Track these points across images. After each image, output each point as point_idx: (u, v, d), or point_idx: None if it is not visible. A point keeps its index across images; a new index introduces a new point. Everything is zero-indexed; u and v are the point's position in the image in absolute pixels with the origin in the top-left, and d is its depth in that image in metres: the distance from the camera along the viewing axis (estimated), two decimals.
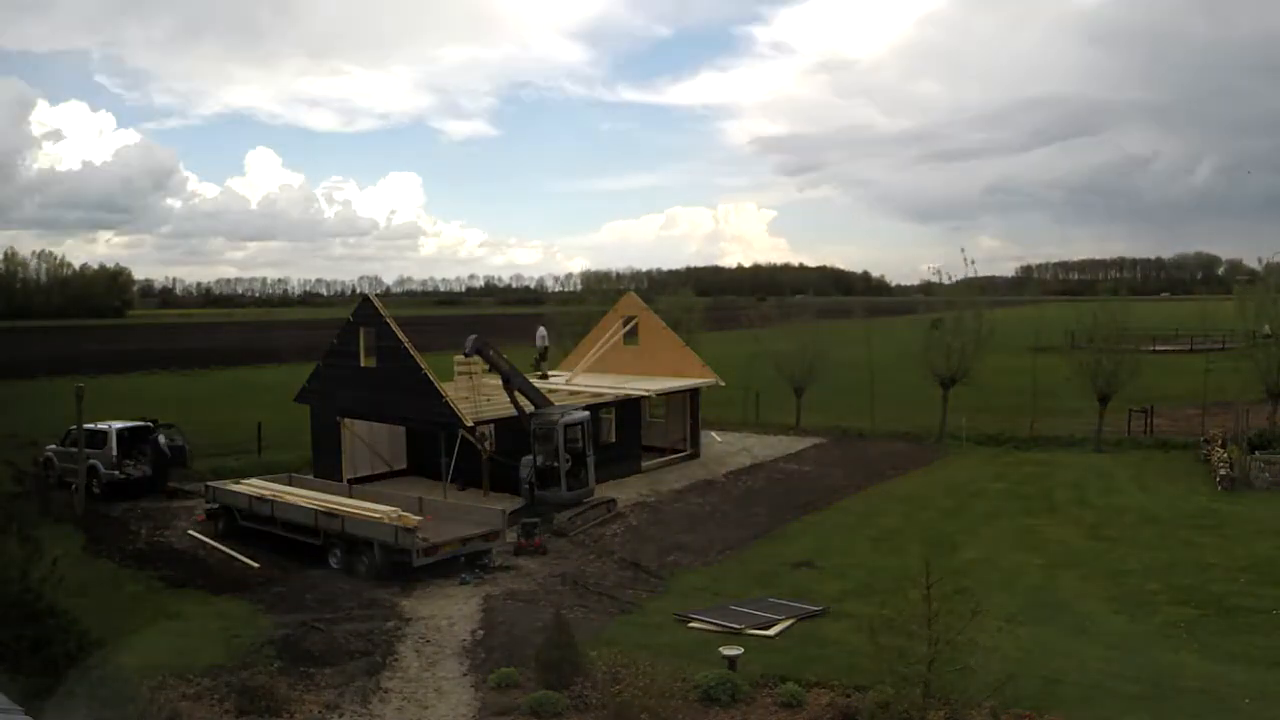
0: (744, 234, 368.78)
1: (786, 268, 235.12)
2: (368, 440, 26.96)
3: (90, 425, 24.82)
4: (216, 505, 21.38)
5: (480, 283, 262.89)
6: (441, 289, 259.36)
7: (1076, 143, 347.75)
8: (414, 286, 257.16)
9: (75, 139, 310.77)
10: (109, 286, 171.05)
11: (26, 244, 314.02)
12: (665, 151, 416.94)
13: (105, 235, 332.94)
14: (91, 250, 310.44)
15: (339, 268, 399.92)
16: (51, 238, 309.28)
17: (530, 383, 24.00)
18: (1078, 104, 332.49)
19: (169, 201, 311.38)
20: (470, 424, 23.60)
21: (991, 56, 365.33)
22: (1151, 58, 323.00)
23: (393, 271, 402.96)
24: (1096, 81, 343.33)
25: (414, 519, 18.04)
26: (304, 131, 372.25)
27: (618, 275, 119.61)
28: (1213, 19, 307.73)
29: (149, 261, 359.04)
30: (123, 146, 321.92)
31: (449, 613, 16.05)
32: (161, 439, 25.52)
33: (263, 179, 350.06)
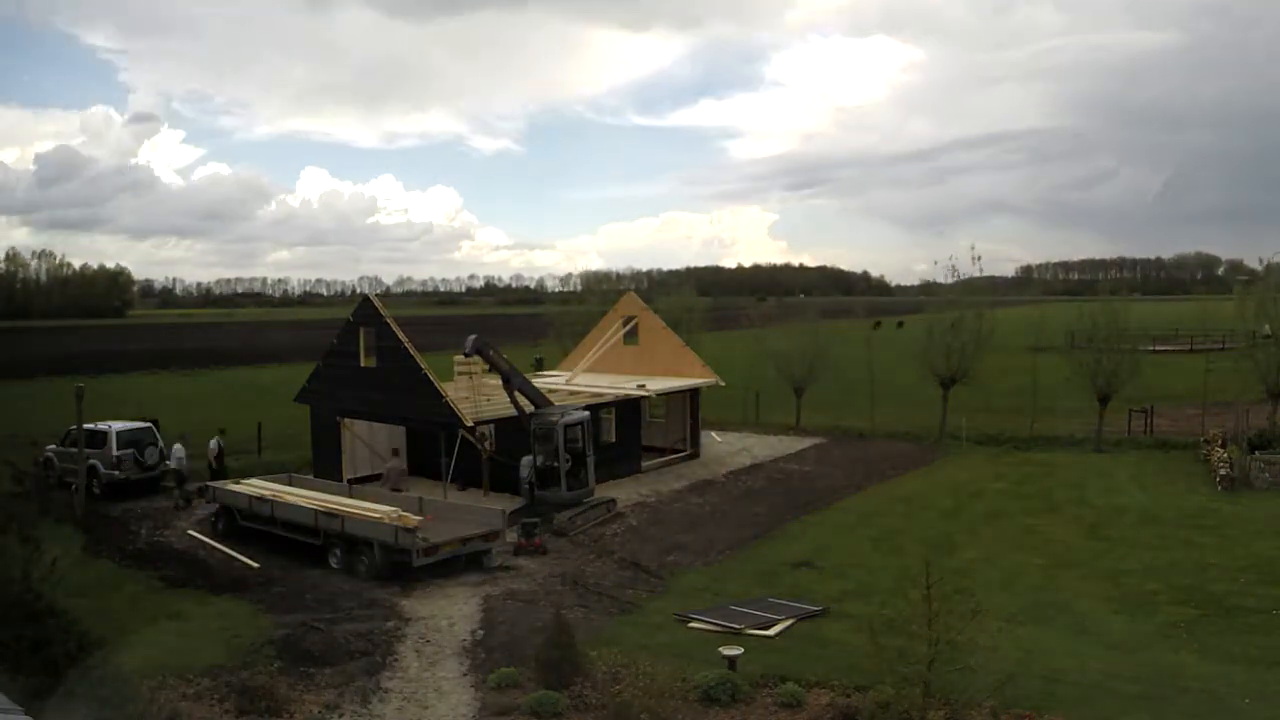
0: (745, 237, 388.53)
1: (787, 268, 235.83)
2: (368, 440, 26.96)
3: (90, 425, 24.82)
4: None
5: (480, 283, 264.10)
6: (441, 289, 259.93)
7: (1045, 167, 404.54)
8: (414, 287, 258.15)
9: (166, 158, 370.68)
10: (109, 286, 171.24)
11: (110, 246, 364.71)
12: (674, 166, 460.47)
13: (172, 240, 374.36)
14: (156, 254, 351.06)
15: (377, 269, 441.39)
16: (127, 242, 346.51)
17: (530, 383, 23.99)
18: (1045, 135, 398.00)
19: (259, 211, 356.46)
20: (470, 424, 23.60)
21: (968, 97, 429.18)
22: (1102, 108, 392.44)
23: (427, 273, 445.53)
24: (1059, 119, 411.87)
25: (414, 519, 18.05)
26: (350, 149, 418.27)
27: (618, 275, 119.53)
28: (1135, 84, 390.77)
29: (202, 264, 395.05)
30: (225, 171, 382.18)
31: (449, 613, 16.04)
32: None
33: (312, 189, 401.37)
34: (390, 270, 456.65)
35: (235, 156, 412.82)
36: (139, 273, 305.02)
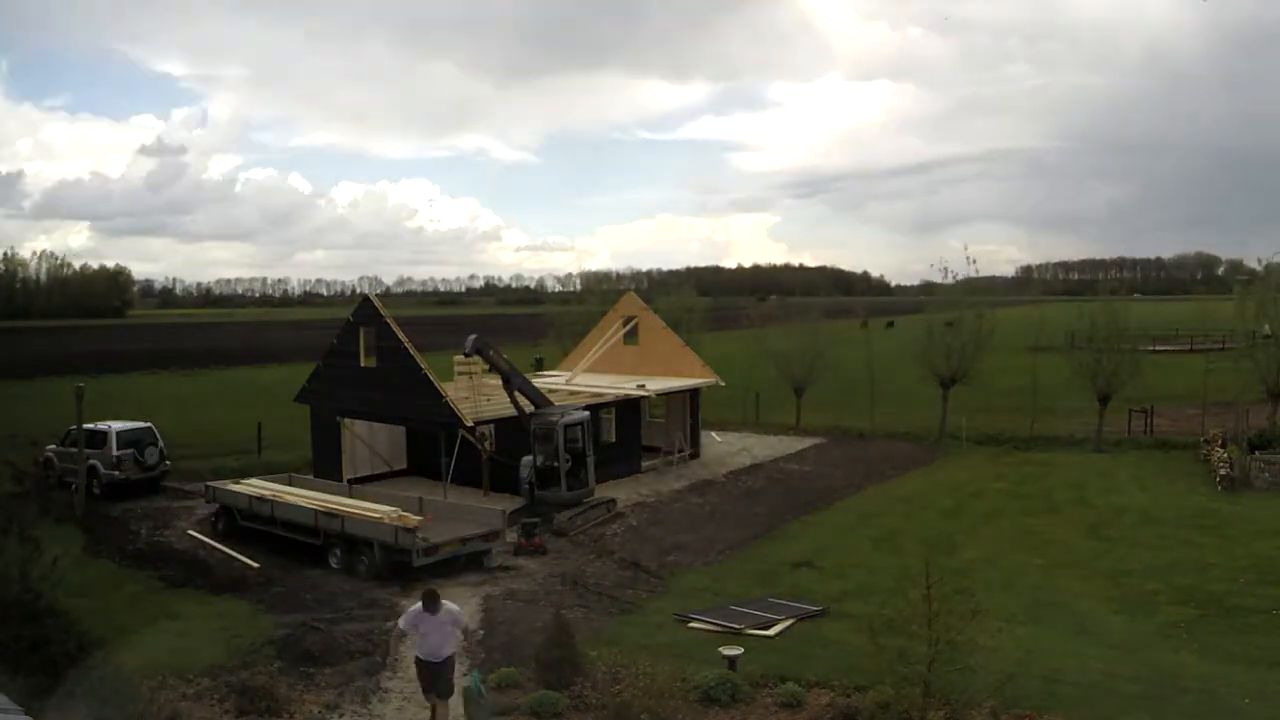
0: (746, 240, 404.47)
1: (787, 268, 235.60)
2: (368, 440, 26.96)
3: (90, 425, 24.82)
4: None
5: (480, 283, 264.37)
6: (441, 289, 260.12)
7: (1031, 181, 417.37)
8: (414, 286, 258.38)
9: (218, 167, 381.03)
10: (109, 286, 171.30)
11: (162, 248, 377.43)
12: (679, 176, 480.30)
13: (222, 242, 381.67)
14: (197, 257, 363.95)
15: (398, 270, 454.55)
16: (178, 243, 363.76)
17: (530, 382, 23.99)
18: (1039, 152, 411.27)
19: (304, 217, 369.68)
20: (470, 424, 23.60)
21: (963, 122, 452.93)
22: (1089, 136, 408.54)
23: (448, 273, 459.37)
24: (1049, 141, 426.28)
25: (414, 519, 18.05)
26: (381, 159, 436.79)
27: (617, 275, 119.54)
28: (1136, 123, 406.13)
29: (241, 264, 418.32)
30: (273, 179, 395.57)
31: None
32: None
33: (352, 195, 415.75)
34: (426, 272, 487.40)
35: (275, 165, 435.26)
36: (175, 275, 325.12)
